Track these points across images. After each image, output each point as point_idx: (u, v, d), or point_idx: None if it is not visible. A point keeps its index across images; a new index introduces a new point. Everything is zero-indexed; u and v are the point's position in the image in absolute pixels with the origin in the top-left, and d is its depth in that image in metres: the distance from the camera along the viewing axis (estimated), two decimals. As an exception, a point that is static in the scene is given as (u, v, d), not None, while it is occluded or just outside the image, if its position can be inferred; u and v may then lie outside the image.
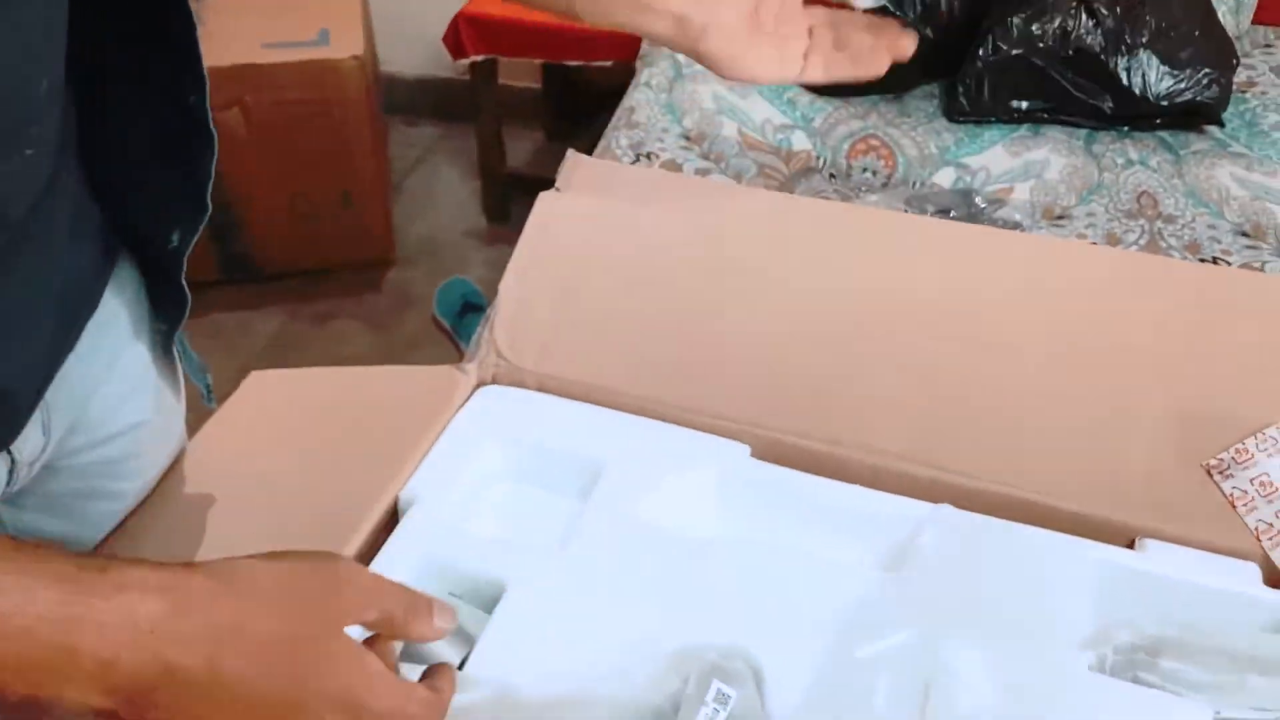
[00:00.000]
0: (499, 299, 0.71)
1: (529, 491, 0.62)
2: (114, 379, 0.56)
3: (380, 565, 0.54)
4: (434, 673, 0.42)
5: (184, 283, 0.55)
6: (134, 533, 0.58)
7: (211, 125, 0.52)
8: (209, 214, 0.54)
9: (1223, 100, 1.19)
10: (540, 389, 0.66)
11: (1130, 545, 0.58)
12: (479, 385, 0.67)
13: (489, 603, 0.53)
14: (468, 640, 0.51)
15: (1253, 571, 0.56)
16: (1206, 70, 1.16)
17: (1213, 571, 0.56)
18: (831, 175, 1.17)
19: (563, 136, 2.26)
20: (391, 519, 0.58)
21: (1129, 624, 0.52)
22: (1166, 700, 0.49)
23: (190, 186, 0.53)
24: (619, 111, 1.33)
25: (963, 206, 1.03)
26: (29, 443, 0.52)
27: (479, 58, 1.90)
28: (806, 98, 1.31)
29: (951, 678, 0.50)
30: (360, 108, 1.83)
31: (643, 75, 1.40)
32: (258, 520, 0.57)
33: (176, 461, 0.62)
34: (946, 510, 0.58)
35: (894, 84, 1.32)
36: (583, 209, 0.74)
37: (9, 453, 0.51)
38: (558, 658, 0.49)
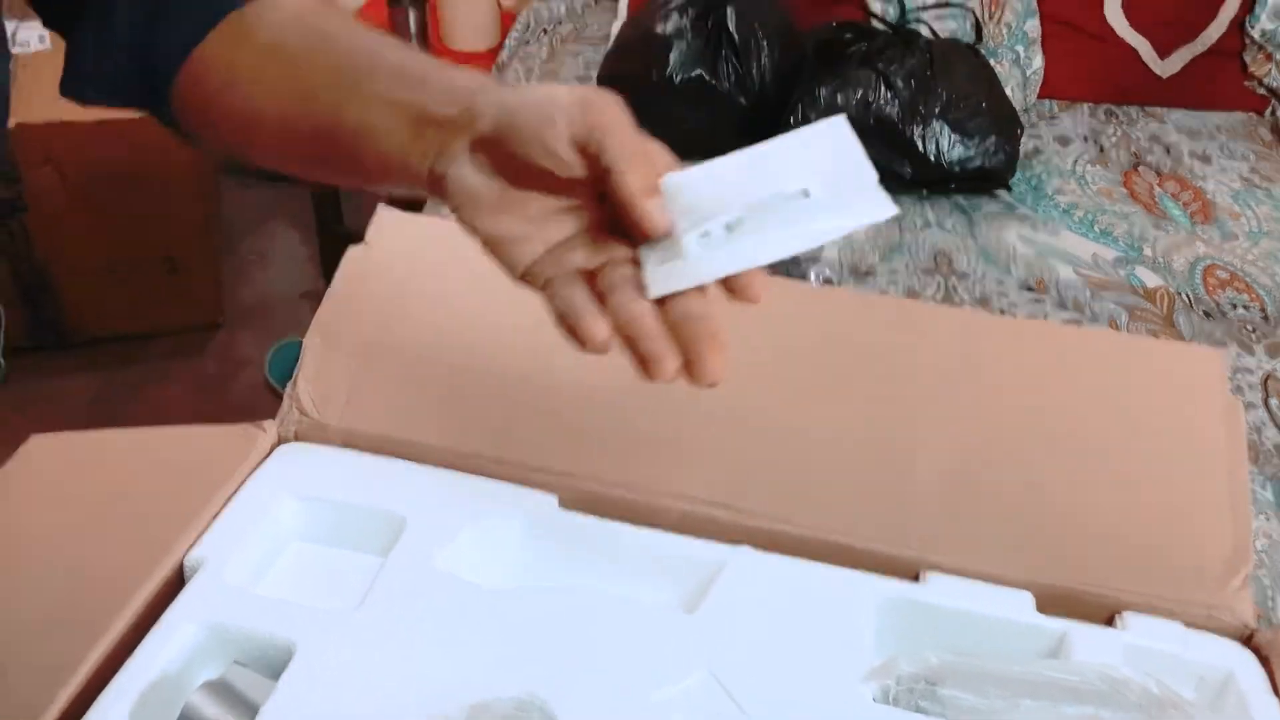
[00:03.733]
0: (302, 355, 0.69)
1: (327, 551, 0.60)
2: None
3: (161, 633, 0.51)
4: None
5: None
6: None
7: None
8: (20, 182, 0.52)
9: (1010, 166, 1.29)
10: (345, 445, 0.65)
11: (915, 579, 0.61)
12: (280, 443, 0.65)
13: (279, 669, 0.51)
14: (252, 710, 0.49)
15: (1026, 600, 0.59)
16: (994, 138, 1.26)
17: (990, 601, 0.59)
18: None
19: (401, 200, 2.25)
20: (177, 584, 0.55)
21: (911, 655, 0.54)
22: (944, 726, 0.51)
23: None
24: (448, 172, 1.33)
25: (777, 263, 1.07)
26: None
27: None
28: (632, 160, 1.35)
29: (742, 715, 0.51)
30: (184, 169, 1.78)
31: (473, 137, 1.41)
32: (28, 587, 0.53)
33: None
34: (745, 552, 0.60)
35: (714, 148, 1.37)
36: (391, 263, 0.74)
37: None
38: (347, 719, 0.48)
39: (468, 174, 0.46)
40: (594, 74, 1.53)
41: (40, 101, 1.68)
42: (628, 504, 0.63)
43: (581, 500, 0.63)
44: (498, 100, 0.45)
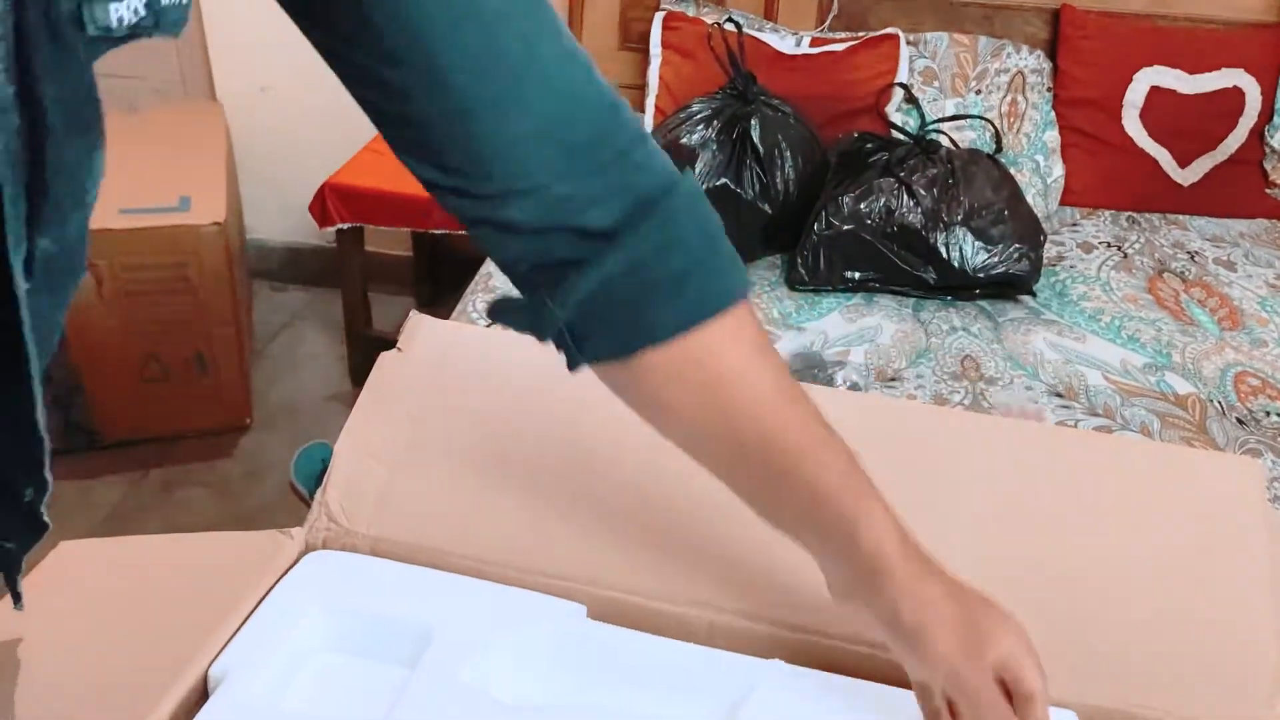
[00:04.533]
0: (333, 461, 0.69)
1: (353, 662, 0.59)
2: None
3: (182, 748, 0.50)
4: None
5: (45, 517, 0.51)
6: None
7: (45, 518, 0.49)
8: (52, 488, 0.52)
9: (1034, 272, 1.30)
10: (373, 553, 0.65)
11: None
12: (307, 550, 0.65)
13: (301, 786, 0.50)
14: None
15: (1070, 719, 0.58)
16: (1017, 246, 1.27)
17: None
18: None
19: (433, 303, 2.29)
20: (201, 696, 0.54)
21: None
22: None
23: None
24: (477, 277, 1.36)
25: (804, 367, 1.08)
26: None
27: (345, 225, 1.92)
28: (658, 267, 1.38)
29: (778, 841, 0.49)
30: (219, 274, 1.81)
31: (502, 244, 1.44)
32: (52, 695, 0.53)
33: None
34: (777, 666, 0.59)
35: (739, 254, 1.39)
36: (423, 369, 0.75)
37: None
38: (369, 841, 0.46)
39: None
40: (621, 183, 1.57)
41: (84, 210, 1.73)
42: (656, 613, 0.62)
43: (610, 610, 0.62)
44: (888, 617, 0.52)
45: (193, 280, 1.80)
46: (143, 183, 1.83)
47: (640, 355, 0.52)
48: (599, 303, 0.51)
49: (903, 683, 0.58)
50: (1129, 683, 0.59)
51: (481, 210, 0.51)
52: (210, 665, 0.55)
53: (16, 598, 0.58)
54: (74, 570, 0.63)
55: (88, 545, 0.65)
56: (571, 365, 0.55)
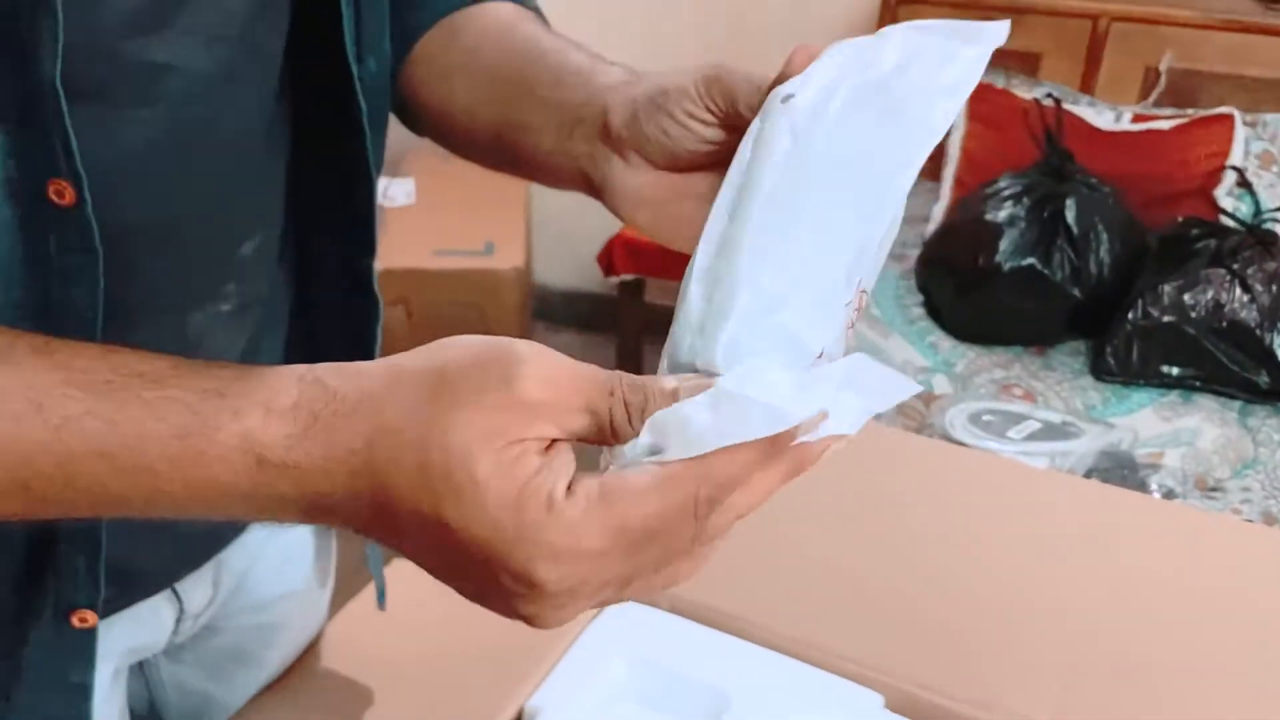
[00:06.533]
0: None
1: (652, 716, 0.60)
2: (277, 544, 0.59)
3: (499, 777, 0.53)
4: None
5: None
6: (266, 707, 0.59)
7: (376, 289, 0.54)
8: None
9: (1390, 384, 1.16)
10: (672, 610, 0.66)
11: None
12: (611, 600, 0.67)
13: (603, 832, 0.51)
14: None
15: None
16: (1371, 354, 1.13)
17: None
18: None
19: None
20: (515, 728, 0.57)
21: None
22: None
23: (357, 353, 0.55)
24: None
25: (1113, 467, 1.00)
26: (198, 593, 0.54)
27: (628, 277, 2.00)
28: (948, 343, 1.33)
29: None
30: (513, 314, 1.94)
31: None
32: (385, 715, 0.57)
33: (316, 640, 0.64)
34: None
35: (1039, 338, 1.33)
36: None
37: (179, 601, 0.53)
38: None
39: (619, 173, 0.45)
40: (911, 253, 1.54)
41: (399, 249, 1.91)
42: (955, 715, 0.59)
43: (907, 704, 0.60)
44: (627, 94, 0.44)
45: (488, 317, 1.93)
46: (454, 227, 1.99)
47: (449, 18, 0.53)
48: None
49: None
50: None
51: None
52: (525, 702, 0.58)
53: (380, 593, 0.63)
54: (405, 587, 0.68)
55: (407, 565, 0.70)
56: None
